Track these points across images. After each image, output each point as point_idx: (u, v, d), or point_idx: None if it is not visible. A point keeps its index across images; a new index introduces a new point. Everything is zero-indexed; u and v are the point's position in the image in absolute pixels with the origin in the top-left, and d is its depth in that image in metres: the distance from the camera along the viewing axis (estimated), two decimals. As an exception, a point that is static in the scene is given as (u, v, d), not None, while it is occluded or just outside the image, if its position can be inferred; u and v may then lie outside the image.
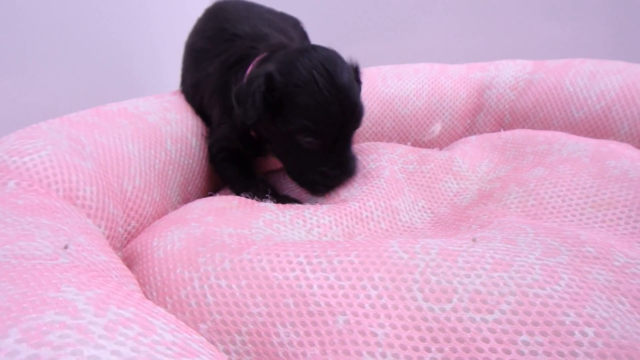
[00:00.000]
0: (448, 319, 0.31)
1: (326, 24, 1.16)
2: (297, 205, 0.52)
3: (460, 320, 0.30)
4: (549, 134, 0.66)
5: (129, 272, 0.36)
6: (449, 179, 0.61)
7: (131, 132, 0.54)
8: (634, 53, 1.12)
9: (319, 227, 0.48)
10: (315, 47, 0.58)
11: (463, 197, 0.58)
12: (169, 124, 0.60)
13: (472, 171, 0.63)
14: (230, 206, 0.47)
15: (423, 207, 0.57)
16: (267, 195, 0.55)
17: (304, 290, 0.33)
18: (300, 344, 0.32)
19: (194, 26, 0.79)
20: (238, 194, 0.57)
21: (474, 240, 0.36)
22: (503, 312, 0.30)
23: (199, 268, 0.37)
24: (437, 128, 0.81)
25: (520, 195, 0.52)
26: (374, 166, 0.60)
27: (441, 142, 0.85)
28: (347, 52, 0.60)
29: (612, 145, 0.61)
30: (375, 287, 0.33)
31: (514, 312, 0.30)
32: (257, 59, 0.62)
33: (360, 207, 0.52)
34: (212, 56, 0.70)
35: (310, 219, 0.48)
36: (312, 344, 0.31)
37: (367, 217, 0.52)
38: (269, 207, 0.48)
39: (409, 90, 0.83)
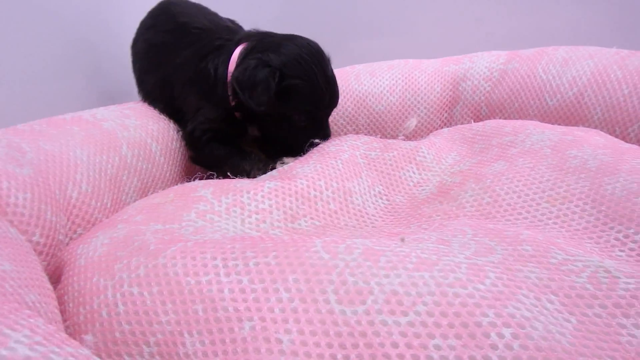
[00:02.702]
0: (359, 323, 0.28)
1: (301, 23, 1.14)
2: (237, 188, 0.48)
3: (371, 323, 0.28)
4: (517, 123, 0.63)
5: (40, 282, 0.34)
6: (410, 168, 0.59)
7: (81, 138, 0.52)
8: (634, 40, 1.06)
9: (257, 213, 0.45)
10: (307, 41, 0.66)
11: (422, 189, 0.56)
12: (126, 130, 0.58)
13: (436, 162, 0.60)
14: (165, 201, 0.45)
15: (379, 192, 0.55)
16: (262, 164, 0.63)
17: (214, 295, 0.31)
18: (205, 354, 0.29)
19: (141, 26, 0.79)
20: (233, 174, 0.60)
21: (402, 240, 0.34)
22: (418, 313, 0.28)
23: (115, 275, 0.35)
24: (412, 123, 0.78)
25: (476, 193, 0.49)
26: (333, 149, 0.58)
27: (418, 137, 0.83)
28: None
29: (579, 132, 0.58)
30: (287, 290, 0.31)
31: (430, 314, 0.28)
32: (241, 47, 0.66)
33: (308, 186, 0.50)
34: (177, 49, 0.71)
35: (249, 205, 0.46)
36: (215, 354, 0.29)
37: (315, 196, 0.50)
38: (204, 197, 0.45)
39: (382, 87, 0.81)
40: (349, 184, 0.53)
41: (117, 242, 0.38)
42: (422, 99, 0.80)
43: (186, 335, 0.30)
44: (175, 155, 0.65)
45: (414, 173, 0.59)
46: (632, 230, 0.39)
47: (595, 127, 0.67)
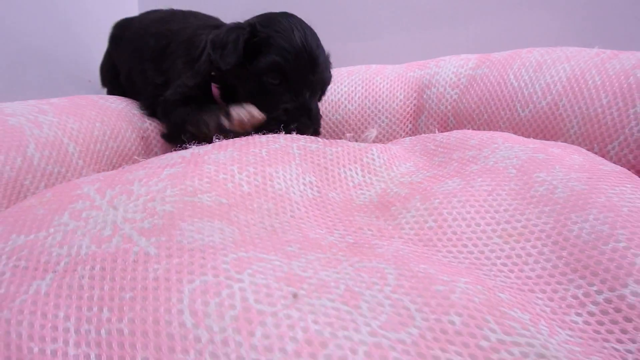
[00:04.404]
0: None
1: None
2: (127, 179, 0.37)
3: None
4: (486, 135, 0.53)
5: None
6: (354, 168, 0.48)
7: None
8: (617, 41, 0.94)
9: (147, 194, 0.34)
10: (293, 15, 0.60)
11: (362, 193, 0.45)
12: (38, 127, 0.48)
13: (385, 168, 0.49)
14: (39, 202, 0.35)
15: (310, 182, 0.44)
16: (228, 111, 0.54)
17: None
18: None
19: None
20: (194, 130, 0.56)
21: (294, 296, 0.24)
22: None
23: None
24: (372, 133, 0.68)
25: (419, 213, 0.39)
26: (264, 139, 0.47)
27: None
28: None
29: (554, 149, 0.48)
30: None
31: None
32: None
33: (217, 170, 0.39)
34: (178, 23, 0.68)
35: (139, 190, 0.35)
36: None
37: (224, 179, 0.39)
38: (85, 195, 0.35)
39: (340, 94, 0.70)
40: (271, 169, 0.42)
41: None
42: (382, 107, 0.68)
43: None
44: (99, 158, 0.54)
45: (356, 173, 0.48)
46: (594, 288, 0.30)
47: (573, 143, 0.58)
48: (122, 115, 0.61)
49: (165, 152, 0.60)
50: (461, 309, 0.25)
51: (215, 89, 0.61)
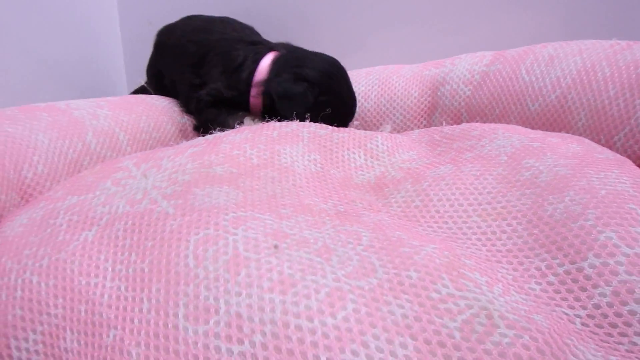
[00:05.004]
0: (195, 344, 0.24)
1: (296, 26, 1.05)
2: (159, 156, 0.43)
3: (206, 347, 0.23)
4: (490, 127, 0.54)
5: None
6: (357, 152, 0.51)
7: (47, 123, 0.50)
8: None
9: (172, 168, 0.40)
10: (329, 57, 0.67)
11: (362, 174, 0.48)
12: (95, 119, 0.56)
13: (387, 154, 0.52)
14: (90, 172, 0.41)
15: (315, 159, 0.47)
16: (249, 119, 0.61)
17: (96, 299, 0.28)
18: (79, 354, 0.27)
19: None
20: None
21: (275, 246, 0.28)
22: (253, 344, 0.23)
23: (22, 260, 0.32)
24: (386, 129, 0.70)
25: (408, 194, 0.42)
26: (277, 124, 0.51)
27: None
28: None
29: (552, 139, 0.48)
30: (149, 300, 0.27)
31: (264, 346, 0.23)
32: (271, 55, 0.65)
33: (231, 148, 0.44)
34: (216, 31, 0.74)
35: (166, 164, 0.40)
36: (86, 356, 0.26)
37: (237, 154, 0.43)
38: (125, 167, 0.41)
39: (358, 93, 0.72)
40: (279, 147, 0.46)
41: (33, 225, 0.35)
42: (398, 104, 0.70)
43: (68, 331, 0.27)
44: (144, 146, 0.61)
45: (359, 157, 0.50)
46: (557, 261, 0.31)
47: (580, 135, 0.57)
48: (164, 111, 0.68)
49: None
50: (421, 267, 0.28)
51: (255, 101, 0.66)
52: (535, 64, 0.61)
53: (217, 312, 0.24)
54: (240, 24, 0.81)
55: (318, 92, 0.61)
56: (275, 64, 0.64)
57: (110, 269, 0.29)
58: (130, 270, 0.28)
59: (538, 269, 0.31)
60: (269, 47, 0.68)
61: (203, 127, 0.67)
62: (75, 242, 0.31)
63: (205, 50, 0.71)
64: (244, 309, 0.24)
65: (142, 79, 0.86)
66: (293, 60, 0.64)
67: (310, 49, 0.70)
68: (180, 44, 0.76)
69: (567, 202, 0.35)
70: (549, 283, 0.30)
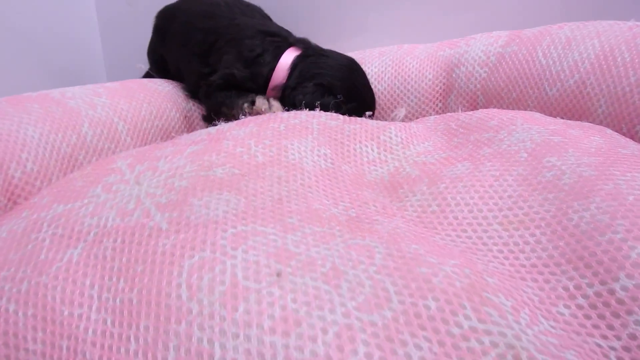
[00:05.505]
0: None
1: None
2: (156, 155, 0.39)
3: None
4: (507, 115, 0.49)
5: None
6: (370, 144, 0.46)
7: (38, 116, 0.46)
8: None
9: (169, 171, 0.35)
10: (349, 59, 0.64)
11: (375, 169, 0.44)
12: (92, 108, 0.51)
13: (402, 146, 0.47)
14: (80, 175, 0.37)
15: (325, 154, 0.42)
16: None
17: (80, 334, 0.25)
18: None
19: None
20: (228, 110, 0.58)
21: (278, 274, 0.25)
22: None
23: None
24: (400, 113, 0.65)
25: (424, 197, 0.38)
26: (285, 115, 0.46)
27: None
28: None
29: (573, 131, 0.44)
30: (137, 339, 0.23)
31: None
32: (293, 53, 0.62)
33: (234, 145, 0.39)
34: (234, 14, 0.69)
35: (162, 167, 0.36)
36: None
37: (241, 152, 0.39)
38: (118, 169, 0.37)
39: (370, 75, 0.67)
40: (287, 142, 0.41)
41: (13, 240, 0.31)
42: (412, 87, 0.65)
43: (49, 367, 0.24)
44: (145, 136, 0.56)
45: (372, 150, 0.46)
46: (585, 281, 0.27)
47: (600, 123, 0.52)
48: (167, 97, 0.63)
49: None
50: (440, 294, 0.24)
51: (272, 93, 0.62)
52: (552, 47, 0.56)
53: (211, 358, 0.21)
54: (248, 5, 0.74)
55: (342, 101, 0.59)
56: (296, 67, 0.60)
57: (96, 296, 0.25)
58: (118, 300, 0.25)
59: (566, 288, 0.28)
60: (288, 42, 0.64)
61: (213, 112, 0.63)
62: (58, 263, 0.28)
63: (214, 37, 0.66)
64: (242, 356, 0.21)
65: (144, 65, 0.80)
66: (313, 66, 0.61)
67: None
68: (185, 31, 0.70)
69: (594, 210, 0.31)
70: (579, 306, 0.26)
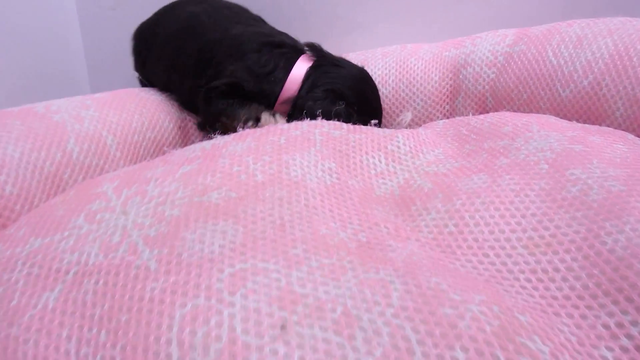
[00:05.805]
0: None
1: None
2: (146, 177, 0.36)
3: None
4: (521, 121, 0.46)
5: None
6: (377, 155, 0.43)
7: (18, 133, 0.42)
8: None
9: (159, 196, 0.32)
10: (359, 69, 0.61)
11: (384, 182, 0.41)
12: (79, 122, 0.47)
13: (411, 156, 0.44)
14: (62, 200, 0.34)
15: (329, 168, 0.39)
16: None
17: None
18: None
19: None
20: (229, 122, 0.54)
21: (282, 327, 0.21)
22: None
23: None
24: (407, 117, 0.61)
25: (440, 216, 0.34)
26: (285, 127, 0.43)
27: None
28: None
29: (594, 137, 0.41)
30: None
31: None
32: (305, 62, 0.58)
33: (231, 164, 0.36)
34: (230, 22, 0.63)
35: (152, 191, 0.33)
36: None
37: (238, 171, 0.35)
38: (104, 193, 0.33)
39: (374, 78, 0.63)
40: (287, 156, 0.38)
41: None
42: (417, 89, 0.61)
43: None
44: (136, 149, 0.52)
45: (379, 161, 0.43)
46: (628, 318, 0.24)
47: (619, 127, 0.49)
48: (160, 106, 0.59)
49: (202, 140, 0.58)
50: (468, 342, 0.21)
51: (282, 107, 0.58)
52: (562, 45, 0.52)
53: None
54: (231, 8, 0.68)
55: (356, 112, 0.56)
56: (308, 79, 0.57)
57: (73, 352, 0.22)
58: (99, 357, 0.21)
59: (606, 326, 0.24)
60: (296, 50, 0.59)
61: (210, 121, 0.58)
62: (32, 311, 0.24)
63: (209, 55, 0.60)
64: None
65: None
66: (325, 77, 0.57)
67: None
68: (171, 54, 0.63)
69: (629, 233, 0.28)
70: (623, 349, 0.23)
